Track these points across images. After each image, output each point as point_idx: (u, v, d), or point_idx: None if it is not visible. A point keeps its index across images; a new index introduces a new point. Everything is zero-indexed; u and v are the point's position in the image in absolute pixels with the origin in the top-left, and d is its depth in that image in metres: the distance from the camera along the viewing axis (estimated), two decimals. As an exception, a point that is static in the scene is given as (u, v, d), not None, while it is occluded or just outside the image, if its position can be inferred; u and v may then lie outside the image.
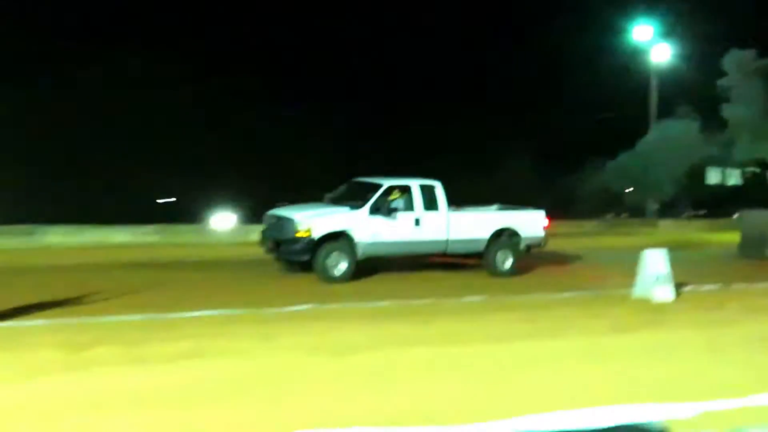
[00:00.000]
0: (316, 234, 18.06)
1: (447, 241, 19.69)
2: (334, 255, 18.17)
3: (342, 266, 18.22)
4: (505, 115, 47.76)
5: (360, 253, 18.56)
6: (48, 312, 13.45)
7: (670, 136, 45.85)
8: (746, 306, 14.88)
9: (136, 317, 13.09)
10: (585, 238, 33.61)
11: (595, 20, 47.27)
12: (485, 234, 19.99)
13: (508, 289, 17.23)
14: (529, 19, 50.21)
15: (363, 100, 50.97)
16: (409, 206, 19.24)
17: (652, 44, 46.01)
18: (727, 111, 48.46)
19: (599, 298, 15.91)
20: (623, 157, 48.60)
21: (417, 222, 19.26)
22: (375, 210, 18.74)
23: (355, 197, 19.15)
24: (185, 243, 31.62)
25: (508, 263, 20.05)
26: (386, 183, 19.36)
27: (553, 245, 29.18)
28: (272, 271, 18.72)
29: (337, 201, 19.41)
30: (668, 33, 46.53)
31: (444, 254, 20.17)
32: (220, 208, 49.09)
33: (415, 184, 19.61)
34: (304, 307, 14.35)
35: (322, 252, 18.05)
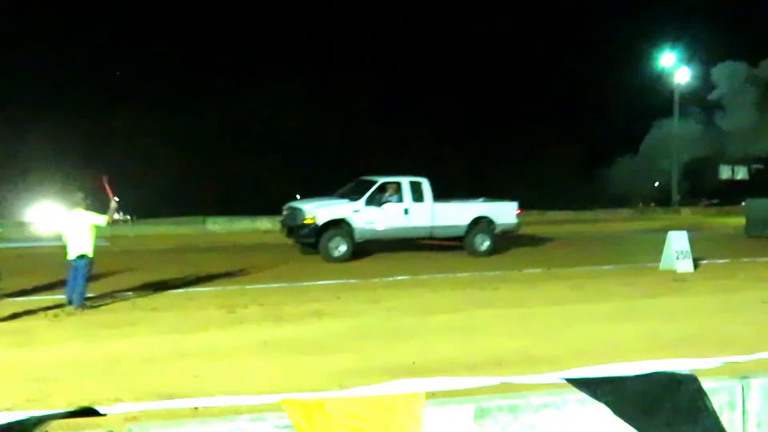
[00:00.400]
0: (320, 221, 17.72)
1: (432, 227, 19.07)
2: (336, 239, 17.80)
3: (342, 248, 17.78)
4: (557, 125, 46.97)
5: (357, 236, 18.07)
6: (212, 282, 13.78)
7: (670, 133, 44.70)
8: (753, 276, 14.45)
9: (275, 285, 13.28)
10: (619, 222, 32.71)
11: (629, 48, 46.37)
12: (464, 221, 19.24)
13: (560, 262, 16.89)
14: (583, 46, 48.77)
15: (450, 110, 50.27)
16: (400, 199, 18.67)
17: (675, 68, 44.54)
18: (720, 118, 46.97)
19: (632, 270, 15.49)
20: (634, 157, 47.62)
21: (406, 211, 18.65)
22: (370, 202, 18.21)
23: (358, 192, 18.69)
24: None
25: (485, 245, 19.19)
26: (381, 180, 18.84)
27: (593, 228, 28.52)
28: (376, 251, 18.71)
29: (344, 195, 18.95)
30: (689, 58, 45.07)
31: (431, 237, 19.48)
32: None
33: (405, 180, 18.99)
34: (402, 277, 14.35)
35: (325, 236, 17.74)
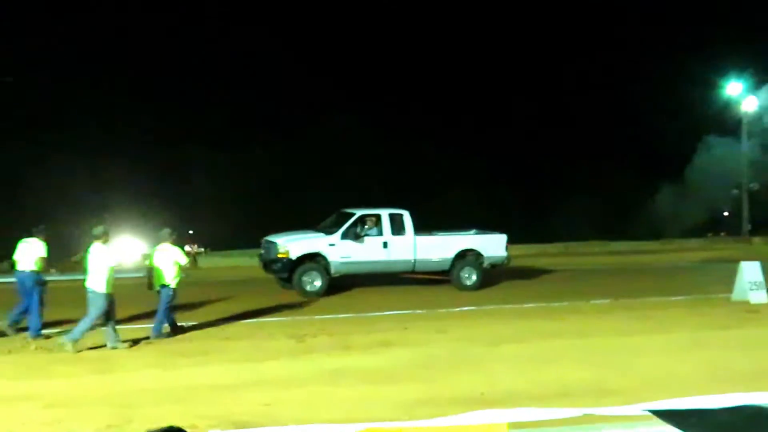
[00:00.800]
0: (293, 255, 17.03)
1: (414, 260, 18.07)
2: (310, 273, 17.05)
3: (316, 282, 17.00)
4: (621, 155, 46.33)
5: (333, 271, 17.27)
6: (281, 312, 13.92)
7: (724, 158, 43.14)
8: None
9: (343, 315, 13.34)
10: (690, 252, 31.75)
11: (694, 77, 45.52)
12: (449, 254, 18.28)
13: (628, 293, 16.46)
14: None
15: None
16: (380, 232, 17.83)
17: (742, 97, 43.34)
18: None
19: (703, 300, 14.98)
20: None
21: (385, 245, 17.77)
22: (347, 235, 17.48)
23: (338, 224, 17.94)
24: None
25: (473, 279, 18.18)
26: (359, 212, 18.09)
27: (665, 258, 27.75)
28: (445, 282, 18.59)
29: (324, 228, 18.18)
30: (756, 86, 43.79)
31: (413, 272, 18.50)
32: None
33: (385, 213, 18.19)
34: (468, 308, 14.24)
35: (299, 270, 17.02)
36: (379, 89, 52.96)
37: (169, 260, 11.11)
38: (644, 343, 10.13)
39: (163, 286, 11.14)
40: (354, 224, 17.76)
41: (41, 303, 11.25)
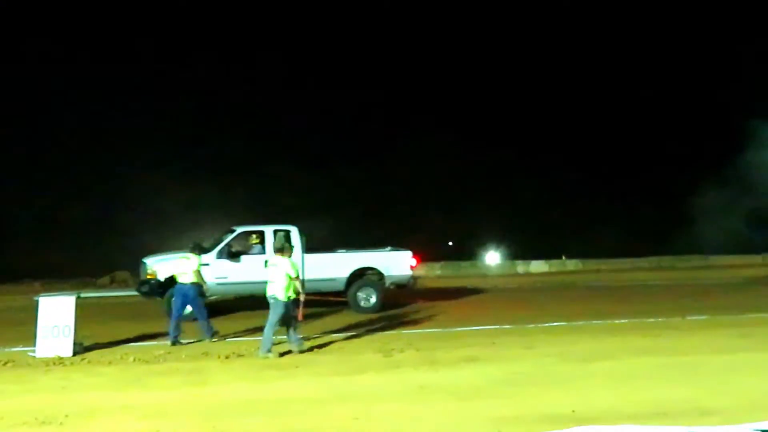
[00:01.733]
0: (161, 276, 15.82)
1: (302, 281, 16.92)
2: None
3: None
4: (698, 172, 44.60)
5: (208, 293, 15.71)
6: (371, 325, 13.92)
7: None
8: None
9: (430, 330, 13.25)
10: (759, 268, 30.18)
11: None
12: (343, 274, 16.89)
13: (724, 309, 15.70)
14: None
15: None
16: (263, 250, 16.42)
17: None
18: None
19: (809, 317, 14.15)
20: None
21: (267, 264, 16.74)
22: (222, 254, 16.24)
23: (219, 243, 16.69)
24: (464, 275, 31.81)
25: (372, 301, 16.64)
26: (239, 229, 16.82)
27: (754, 272, 26.44)
28: (538, 296, 18.23)
29: (209, 247, 16.50)
30: None
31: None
32: (490, 247, 49.27)
33: (269, 229, 16.77)
34: (557, 323, 13.87)
35: (168, 293, 15.39)
36: (464, 105, 52.87)
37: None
38: (744, 361, 9.60)
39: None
40: (231, 242, 16.63)
41: (202, 309, 12.53)
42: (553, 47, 54.88)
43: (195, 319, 12.79)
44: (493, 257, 48.61)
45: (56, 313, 11.06)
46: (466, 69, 54.36)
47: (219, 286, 16.18)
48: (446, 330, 13.28)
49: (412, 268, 17.39)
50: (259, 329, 11.44)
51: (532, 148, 49.83)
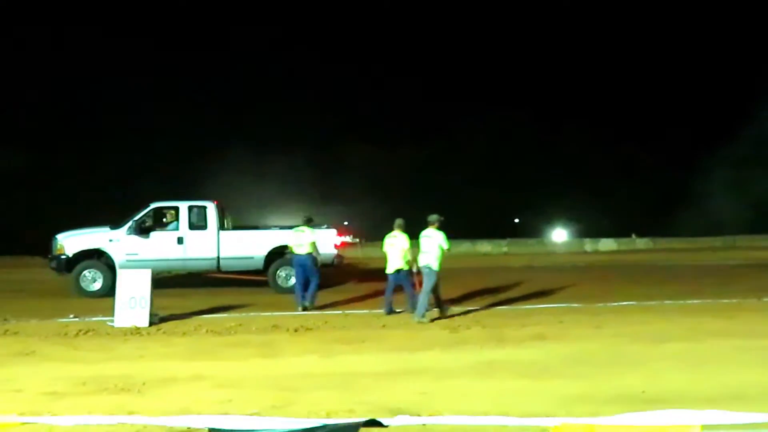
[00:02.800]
0: (69, 252, 15.80)
1: (218, 258, 16.30)
2: (90, 272, 15.77)
3: (97, 283, 15.72)
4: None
5: (118, 269, 15.03)
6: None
7: None
8: None
9: (497, 307, 13.18)
10: None
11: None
12: (261, 252, 16.41)
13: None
14: None
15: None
16: (176, 226, 16.24)
17: None
18: None
19: None
20: None
21: (180, 240, 16.12)
22: (133, 230, 15.96)
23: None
24: (531, 252, 31.47)
25: (292, 280, 15.39)
26: (152, 205, 16.48)
27: None
28: (612, 274, 17.92)
29: (120, 223, 16.38)
30: None
31: (219, 271, 16.68)
32: (557, 225, 48.63)
33: (183, 205, 16.43)
34: (626, 303, 13.62)
35: (77, 268, 15.74)
36: (534, 83, 51.96)
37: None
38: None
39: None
40: (143, 218, 16.33)
41: (317, 277, 13.39)
42: (628, 23, 53.39)
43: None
44: (560, 235, 48.00)
45: (133, 285, 11.43)
46: (537, 46, 53.43)
47: (130, 264, 15.48)
48: (513, 307, 13.21)
49: (336, 247, 16.93)
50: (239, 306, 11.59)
51: (603, 125, 48.79)
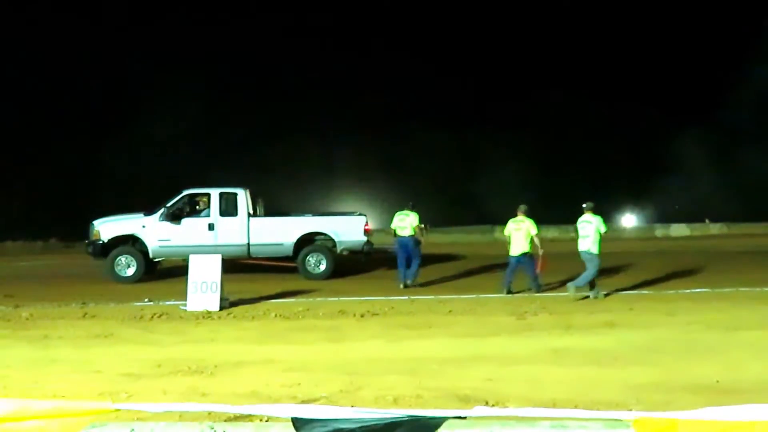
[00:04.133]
0: (105, 237, 16.23)
1: (248, 245, 16.52)
2: (124, 257, 16.16)
3: (131, 268, 16.13)
4: None
5: (152, 255, 16.30)
6: (498, 287, 13.85)
7: None
8: None
9: (565, 294, 12.98)
10: None
11: None
12: (291, 239, 16.55)
13: None
14: None
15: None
16: (207, 213, 16.46)
17: None
18: None
19: None
20: None
21: (211, 227, 16.41)
22: (165, 216, 16.23)
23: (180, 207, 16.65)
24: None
25: (321, 267, 16.43)
26: (185, 192, 16.69)
27: None
28: (685, 260, 17.48)
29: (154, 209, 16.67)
30: None
31: (249, 257, 16.68)
32: (626, 210, 47.53)
33: (215, 192, 16.64)
34: (700, 290, 13.27)
35: (112, 254, 16.16)
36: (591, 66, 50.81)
37: (523, 230, 13.31)
38: None
39: (524, 254, 13.28)
40: (175, 204, 16.58)
41: (419, 258, 14.73)
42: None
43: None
44: (629, 220, 46.94)
45: (204, 270, 11.74)
46: (589, 27, 52.21)
47: (162, 249, 16.42)
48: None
49: (367, 232, 17.10)
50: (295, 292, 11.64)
51: (673, 105, 47.42)
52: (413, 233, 14.56)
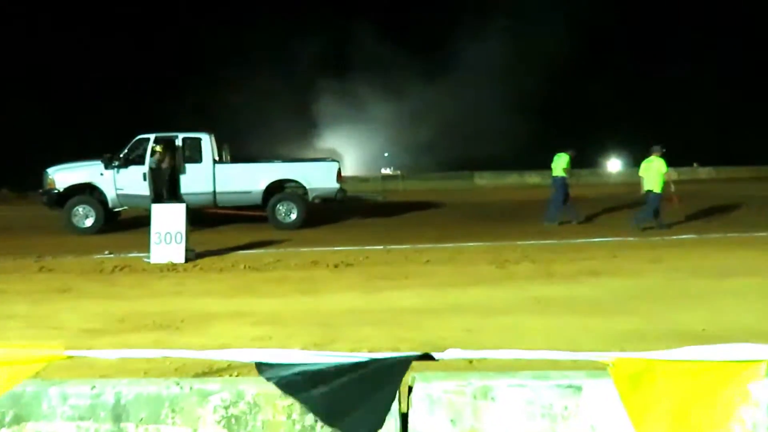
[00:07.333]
0: (60, 186, 15.81)
1: (214, 193, 16.21)
2: (82, 207, 15.80)
3: (89, 219, 15.79)
4: None
5: (111, 204, 15.97)
6: (481, 236, 13.96)
7: None
8: None
9: (547, 241, 13.12)
10: None
11: None
12: (258, 186, 16.29)
13: None
14: None
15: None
16: (170, 159, 16.12)
17: None
18: None
19: None
20: None
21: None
22: (125, 163, 15.81)
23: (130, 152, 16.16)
24: (583, 183, 31.11)
25: (292, 216, 16.25)
26: (142, 137, 16.17)
27: None
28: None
29: (115, 157, 16.11)
30: None
31: (215, 206, 16.41)
32: (611, 154, 47.85)
33: (178, 137, 16.31)
34: (686, 236, 13.47)
35: (68, 204, 15.77)
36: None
37: (654, 170, 14.47)
38: None
39: (649, 191, 14.50)
40: (133, 150, 16.10)
41: (566, 200, 16.16)
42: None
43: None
44: (614, 164, 47.27)
45: (168, 220, 11.65)
46: None
47: (123, 198, 16.09)
48: (563, 242, 13.14)
49: (340, 179, 16.84)
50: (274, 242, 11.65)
51: (653, 44, 47.38)
52: (563, 174, 15.98)
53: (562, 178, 15.98)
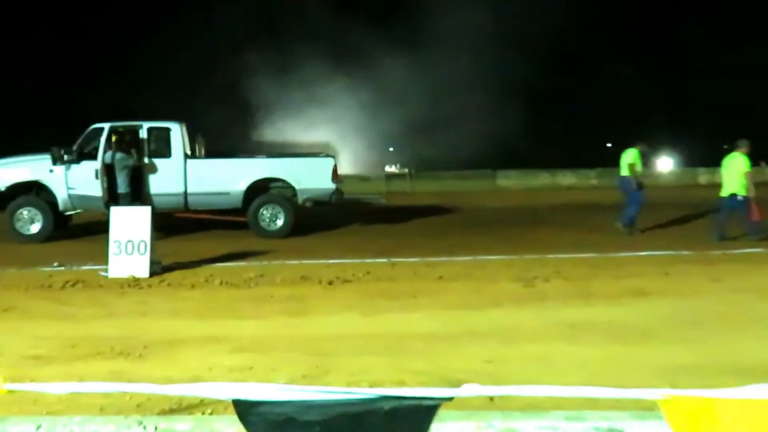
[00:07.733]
0: (1, 185, 15.56)
1: (185, 194, 15.89)
2: (27, 210, 15.57)
3: (35, 224, 15.57)
4: None
5: (62, 206, 15.69)
6: (504, 248, 13.94)
7: None
8: None
9: (584, 255, 13.12)
10: None
11: None
12: (238, 186, 16.00)
13: None
14: None
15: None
16: (133, 153, 15.90)
17: None
18: None
19: None
20: None
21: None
22: (78, 158, 15.56)
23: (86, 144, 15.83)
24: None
25: (280, 221, 16.00)
26: (95, 125, 15.83)
27: None
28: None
29: (66, 151, 15.71)
30: None
31: (187, 210, 16.16)
32: (663, 152, 47.85)
33: (142, 126, 16.00)
34: (752, 250, 13.45)
35: (11, 205, 15.47)
36: None
37: (736, 170, 14.53)
38: None
39: (732, 194, 14.57)
40: (88, 142, 15.82)
41: (638, 203, 15.94)
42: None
43: None
44: (666, 163, 47.25)
45: (130, 226, 11.66)
46: None
47: (75, 199, 15.88)
48: (604, 255, 13.13)
49: (336, 179, 16.54)
50: (253, 253, 11.67)
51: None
52: (630, 173, 15.83)
53: (630, 177, 15.83)
